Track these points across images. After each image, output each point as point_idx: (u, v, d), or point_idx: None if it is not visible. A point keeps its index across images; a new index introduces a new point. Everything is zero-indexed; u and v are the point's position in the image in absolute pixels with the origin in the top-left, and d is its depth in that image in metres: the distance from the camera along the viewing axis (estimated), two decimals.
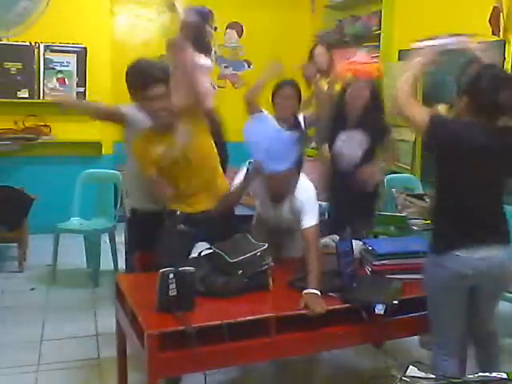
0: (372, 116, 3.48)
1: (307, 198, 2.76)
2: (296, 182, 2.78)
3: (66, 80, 5.48)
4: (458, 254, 2.21)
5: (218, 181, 2.99)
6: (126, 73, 2.88)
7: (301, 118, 3.56)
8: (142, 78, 2.76)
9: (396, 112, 2.39)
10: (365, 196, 3.45)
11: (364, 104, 3.47)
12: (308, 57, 4.84)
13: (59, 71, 5.47)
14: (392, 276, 2.64)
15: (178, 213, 2.90)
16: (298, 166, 2.76)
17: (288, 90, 3.51)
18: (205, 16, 3.95)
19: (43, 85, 5.45)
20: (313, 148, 4.46)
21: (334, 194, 3.63)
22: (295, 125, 3.41)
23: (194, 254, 2.76)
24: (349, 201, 3.36)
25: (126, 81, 2.88)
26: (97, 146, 5.60)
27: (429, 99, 4.76)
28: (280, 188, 2.75)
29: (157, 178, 2.85)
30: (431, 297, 2.34)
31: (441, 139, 2.22)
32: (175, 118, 2.82)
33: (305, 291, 2.40)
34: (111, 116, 3.25)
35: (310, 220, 2.70)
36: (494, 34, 4.17)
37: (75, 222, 4.56)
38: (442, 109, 3.42)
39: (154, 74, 2.75)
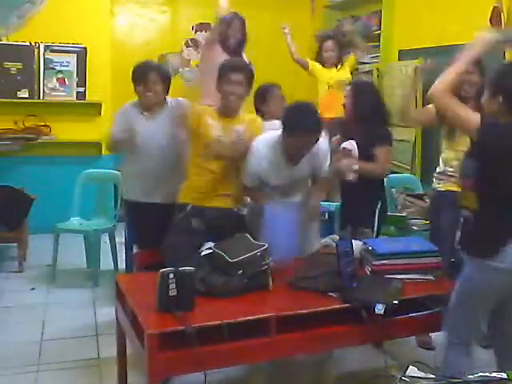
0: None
1: (325, 149, 3.02)
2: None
3: (65, 80, 5.48)
4: (509, 249, 2.14)
5: (237, 184, 3.11)
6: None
7: None
8: (230, 65, 3.11)
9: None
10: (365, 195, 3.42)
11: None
12: (316, 52, 5.23)
13: (59, 71, 5.46)
14: (392, 276, 2.64)
15: (189, 207, 3.00)
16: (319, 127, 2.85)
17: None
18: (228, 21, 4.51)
19: (43, 85, 5.44)
20: None
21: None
22: None
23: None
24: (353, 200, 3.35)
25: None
26: (97, 146, 5.60)
27: (428, 100, 4.77)
28: (304, 149, 2.87)
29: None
30: (473, 299, 2.27)
31: (494, 141, 2.16)
32: (241, 108, 3.08)
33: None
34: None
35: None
36: None
37: (75, 222, 4.56)
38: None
39: (232, 62, 3.23)
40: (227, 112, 3.08)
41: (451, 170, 3.15)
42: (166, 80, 3.39)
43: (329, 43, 5.20)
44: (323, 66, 5.24)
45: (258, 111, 3.58)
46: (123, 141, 3.31)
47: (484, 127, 2.15)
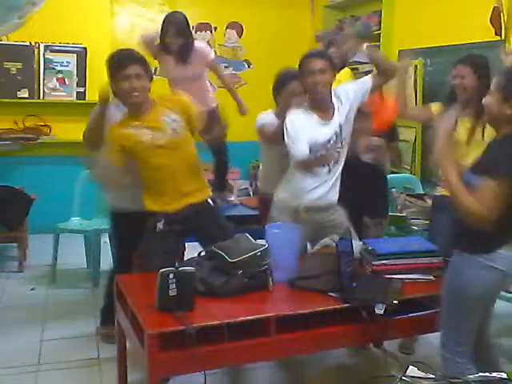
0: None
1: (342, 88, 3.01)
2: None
3: (65, 80, 5.48)
4: (502, 252, 2.13)
5: (201, 179, 3.03)
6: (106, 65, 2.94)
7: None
8: (117, 59, 2.84)
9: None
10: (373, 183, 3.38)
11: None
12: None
13: (59, 71, 5.47)
14: (392, 276, 2.64)
15: (159, 214, 2.89)
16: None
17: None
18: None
19: (43, 85, 5.45)
20: None
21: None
22: None
23: (192, 254, 2.76)
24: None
25: (108, 74, 2.94)
26: None
27: (428, 99, 4.77)
28: (322, 83, 2.87)
29: (117, 165, 2.84)
30: (469, 300, 2.23)
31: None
32: (149, 99, 2.86)
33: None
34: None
35: None
36: (496, 34, 4.17)
37: (75, 221, 4.56)
38: (435, 107, 3.37)
39: (128, 54, 2.86)
40: (137, 111, 2.85)
41: None
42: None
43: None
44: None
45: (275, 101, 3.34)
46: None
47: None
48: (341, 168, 3.04)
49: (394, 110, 3.42)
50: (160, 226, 2.87)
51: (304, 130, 2.88)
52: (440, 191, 3.26)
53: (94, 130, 3.06)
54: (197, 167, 3.00)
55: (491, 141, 2.25)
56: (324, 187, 3.00)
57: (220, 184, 4.43)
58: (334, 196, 3.06)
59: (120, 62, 2.81)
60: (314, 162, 2.91)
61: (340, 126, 2.96)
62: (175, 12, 4.25)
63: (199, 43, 4.30)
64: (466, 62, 3.19)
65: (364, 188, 3.23)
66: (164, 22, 4.10)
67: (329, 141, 2.94)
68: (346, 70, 3.57)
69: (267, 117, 3.22)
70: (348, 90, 3.00)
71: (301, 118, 2.94)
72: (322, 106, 2.96)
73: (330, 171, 2.99)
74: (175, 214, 2.89)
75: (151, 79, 2.87)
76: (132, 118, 2.86)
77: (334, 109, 2.97)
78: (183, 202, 2.91)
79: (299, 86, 3.04)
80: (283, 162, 3.06)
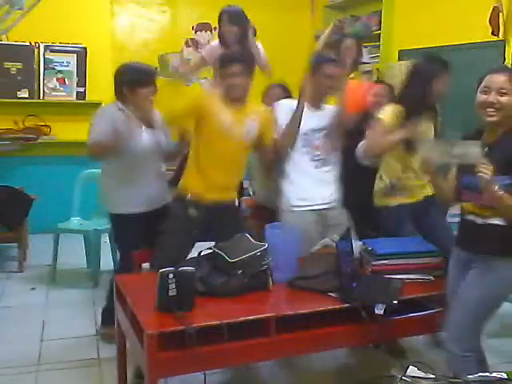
0: None
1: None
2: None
3: (65, 80, 5.49)
4: None
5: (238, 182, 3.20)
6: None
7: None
8: (225, 55, 3.11)
9: None
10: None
11: None
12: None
13: (59, 71, 5.47)
14: (392, 276, 2.64)
15: (189, 197, 3.00)
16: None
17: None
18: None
19: (43, 85, 5.45)
20: None
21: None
22: None
23: (192, 254, 2.77)
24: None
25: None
26: None
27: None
28: (331, 84, 3.08)
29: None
30: (501, 300, 2.33)
31: None
32: (247, 97, 3.04)
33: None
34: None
35: None
36: (493, 34, 4.17)
37: (75, 221, 4.56)
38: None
39: (232, 53, 3.22)
40: (234, 100, 3.02)
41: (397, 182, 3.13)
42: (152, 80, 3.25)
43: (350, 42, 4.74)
44: None
45: None
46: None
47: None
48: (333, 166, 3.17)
49: (367, 92, 3.51)
50: (193, 212, 2.98)
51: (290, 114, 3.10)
52: (398, 200, 3.15)
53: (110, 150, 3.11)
54: (242, 171, 3.19)
55: (501, 135, 2.26)
56: (316, 185, 3.13)
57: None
58: (330, 194, 3.16)
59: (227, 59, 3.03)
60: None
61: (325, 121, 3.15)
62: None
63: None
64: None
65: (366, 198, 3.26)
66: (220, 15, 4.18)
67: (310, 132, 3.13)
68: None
69: None
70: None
71: (291, 104, 3.13)
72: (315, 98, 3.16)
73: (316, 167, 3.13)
74: (206, 205, 2.99)
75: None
76: (224, 100, 3.00)
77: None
78: (220, 195, 3.04)
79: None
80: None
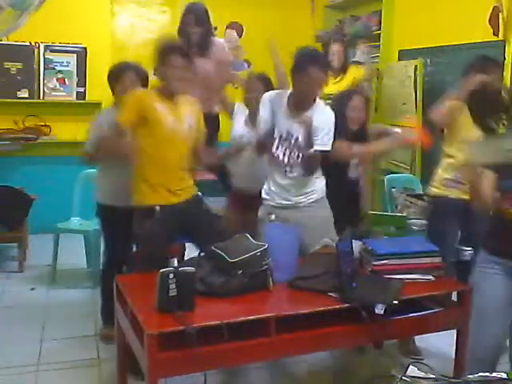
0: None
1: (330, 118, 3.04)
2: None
3: (65, 80, 5.48)
4: None
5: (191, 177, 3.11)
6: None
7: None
8: (163, 48, 3.00)
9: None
10: (350, 195, 3.40)
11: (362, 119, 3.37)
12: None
13: (59, 71, 5.46)
14: (392, 276, 2.64)
15: (158, 208, 2.91)
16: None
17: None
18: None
19: (43, 85, 5.44)
20: None
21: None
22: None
23: (192, 254, 2.77)
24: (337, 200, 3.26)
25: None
26: None
27: (428, 99, 4.78)
28: (312, 90, 2.96)
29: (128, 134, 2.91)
30: None
31: None
32: (188, 91, 2.98)
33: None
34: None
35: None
36: (494, 34, 4.17)
37: (75, 221, 4.56)
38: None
39: (172, 44, 3.04)
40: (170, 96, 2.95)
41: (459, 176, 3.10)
42: (144, 80, 3.26)
43: (336, 46, 4.67)
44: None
45: None
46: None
47: None
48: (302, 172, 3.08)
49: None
50: (158, 211, 2.90)
51: (272, 110, 3.07)
52: (443, 193, 3.24)
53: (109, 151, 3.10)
54: (189, 164, 3.08)
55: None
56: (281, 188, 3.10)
57: None
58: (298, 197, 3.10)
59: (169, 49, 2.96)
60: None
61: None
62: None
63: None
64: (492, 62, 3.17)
65: (348, 206, 3.29)
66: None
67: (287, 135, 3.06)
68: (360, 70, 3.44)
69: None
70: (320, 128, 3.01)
71: (275, 100, 3.09)
72: (297, 103, 3.05)
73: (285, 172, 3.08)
74: (172, 207, 2.93)
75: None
76: (161, 97, 2.93)
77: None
78: (181, 195, 2.97)
79: None
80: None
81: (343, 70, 4.60)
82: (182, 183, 2.99)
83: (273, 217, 3.04)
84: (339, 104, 3.31)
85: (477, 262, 2.38)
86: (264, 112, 3.07)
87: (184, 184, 3.01)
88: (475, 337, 2.32)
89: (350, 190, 3.38)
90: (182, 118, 2.96)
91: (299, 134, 2.99)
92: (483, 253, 2.34)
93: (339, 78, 4.57)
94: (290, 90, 3.09)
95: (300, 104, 3.02)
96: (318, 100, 3.08)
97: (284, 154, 3.05)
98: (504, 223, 2.23)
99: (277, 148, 3.06)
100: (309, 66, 2.90)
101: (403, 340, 3.19)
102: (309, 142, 2.94)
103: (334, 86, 4.42)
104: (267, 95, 3.13)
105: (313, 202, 3.11)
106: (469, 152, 2.18)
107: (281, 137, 3.05)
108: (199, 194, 3.12)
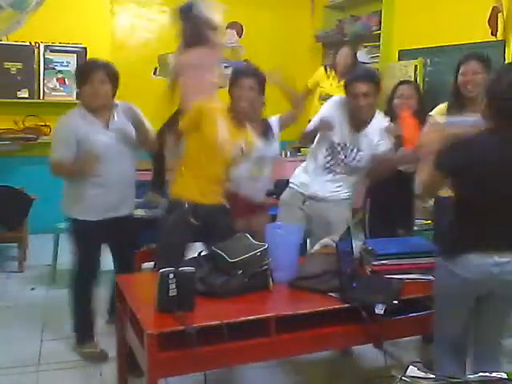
0: None
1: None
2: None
3: (65, 80, 5.48)
4: (469, 258, 2.17)
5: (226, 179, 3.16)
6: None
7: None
8: (235, 70, 3.11)
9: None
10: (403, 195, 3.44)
11: None
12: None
13: (59, 71, 5.47)
14: (392, 276, 2.64)
15: (187, 205, 2.97)
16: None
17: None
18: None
19: (43, 85, 5.45)
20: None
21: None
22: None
23: (192, 254, 2.76)
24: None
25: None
26: None
27: (428, 99, 4.77)
28: (363, 109, 3.06)
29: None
30: (439, 301, 2.35)
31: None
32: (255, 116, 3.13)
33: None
34: None
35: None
36: (492, 34, 4.17)
37: None
38: (439, 111, 3.29)
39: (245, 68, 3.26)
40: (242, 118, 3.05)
41: None
42: (115, 80, 3.08)
43: (345, 50, 5.09)
44: (326, 72, 5.21)
45: None
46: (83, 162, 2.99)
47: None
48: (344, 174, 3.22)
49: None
50: (193, 220, 2.97)
51: (332, 116, 3.18)
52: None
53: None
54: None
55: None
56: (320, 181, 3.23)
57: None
58: (334, 192, 3.23)
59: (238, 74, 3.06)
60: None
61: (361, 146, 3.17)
62: None
63: None
64: (477, 58, 3.20)
65: (397, 201, 3.40)
66: None
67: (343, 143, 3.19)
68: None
69: None
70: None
71: (337, 109, 3.20)
72: (354, 119, 3.18)
73: (330, 171, 3.22)
74: (196, 206, 2.98)
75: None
76: (229, 115, 3.03)
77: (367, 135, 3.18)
78: (209, 198, 3.02)
79: None
80: None
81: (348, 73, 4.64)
82: (212, 187, 3.04)
83: (307, 203, 3.24)
84: (389, 96, 3.47)
85: None
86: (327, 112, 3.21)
87: (214, 189, 3.05)
88: None
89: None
90: (237, 140, 3.00)
91: (359, 146, 3.14)
92: None
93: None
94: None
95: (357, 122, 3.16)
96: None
97: (334, 162, 3.21)
98: None
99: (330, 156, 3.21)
100: (354, 80, 3.07)
101: (425, 351, 3.14)
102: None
103: (336, 89, 4.64)
104: (338, 99, 3.26)
105: (343, 199, 3.27)
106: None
107: (338, 145, 3.17)
108: (226, 205, 3.13)
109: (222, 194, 3.11)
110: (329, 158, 3.22)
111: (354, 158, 3.18)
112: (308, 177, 3.29)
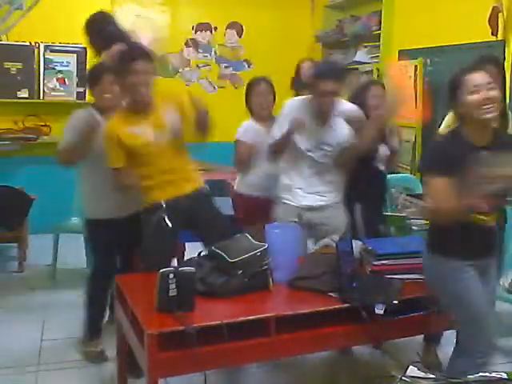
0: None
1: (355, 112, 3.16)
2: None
3: (65, 80, 5.48)
4: None
5: (192, 166, 3.06)
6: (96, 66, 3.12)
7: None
8: (126, 53, 2.87)
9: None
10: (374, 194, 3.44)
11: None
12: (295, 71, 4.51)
13: (59, 71, 5.46)
14: (392, 276, 2.64)
15: (164, 205, 2.88)
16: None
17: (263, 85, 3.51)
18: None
19: (43, 85, 5.44)
20: None
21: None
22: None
23: (192, 254, 2.76)
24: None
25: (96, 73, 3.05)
26: None
27: (429, 98, 4.77)
28: (329, 105, 3.00)
29: (126, 170, 2.87)
30: None
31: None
32: (154, 96, 2.86)
33: None
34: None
35: None
36: (493, 34, 4.17)
37: (75, 222, 4.55)
38: (448, 121, 3.19)
39: (136, 49, 2.91)
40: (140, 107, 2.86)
41: None
42: None
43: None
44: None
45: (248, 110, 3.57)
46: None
47: None
48: (332, 174, 3.17)
49: None
50: (168, 222, 2.87)
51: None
52: None
53: (79, 151, 3.05)
54: (187, 158, 3.03)
55: (494, 134, 2.30)
56: (311, 189, 3.14)
57: None
58: (327, 198, 3.17)
59: (130, 56, 2.82)
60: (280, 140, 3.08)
61: (330, 139, 3.11)
62: None
63: None
64: (491, 61, 3.13)
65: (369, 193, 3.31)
66: None
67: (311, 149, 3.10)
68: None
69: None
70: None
71: (297, 111, 3.09)
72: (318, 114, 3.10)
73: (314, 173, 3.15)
74: (176, 201, 2.89)
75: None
76: (134, 115, 2.86)
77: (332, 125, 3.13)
78: (183, 189, 2.93)
79: None
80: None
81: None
82: (184, 175, 2.96)
83: (304, 217, 3.11)
84: (359, 95, 3.36)
85: (450, 272, 2.33)
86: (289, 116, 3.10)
87: (186, 175, 2.97)
88: (476, 337, 2.32)
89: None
90: (161, 123, 2.87)
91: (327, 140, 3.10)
92: (454, 260, 2.31)
93: None
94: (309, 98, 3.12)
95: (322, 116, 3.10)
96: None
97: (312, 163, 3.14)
98: (474, 228, 2.26)
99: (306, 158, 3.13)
100: (321, 78, 2.97)
101: (426, 352, 3.14)
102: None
103: None
104: (289, 101, 3.18)
105: (335, 202, 3.20)
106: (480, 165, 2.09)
107: (310, 149, 3.11)
108: (206, 187, 3.06)
109: (194, 180, 3.01)
110: (306, 163, 3.14)
111: (326, 154, 3.12)
112: (297, 188, 3.16)
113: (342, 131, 3.14)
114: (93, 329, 3.25)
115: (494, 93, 2.21)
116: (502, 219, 3.02)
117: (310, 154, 3.11)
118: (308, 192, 3.15)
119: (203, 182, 3.08)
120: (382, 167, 3.43)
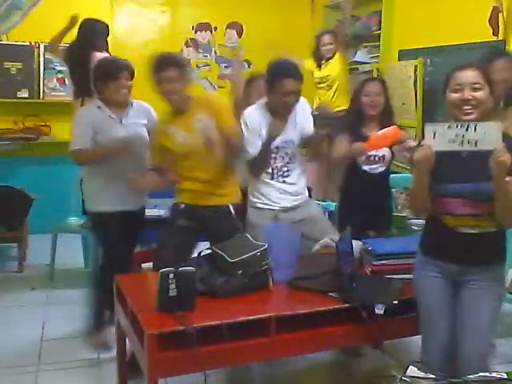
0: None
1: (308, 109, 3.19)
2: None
3: (65, 80, 5.47)
4: None
5: (230, 179, 3.10)
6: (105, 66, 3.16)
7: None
8: (156, 61, 2.92)
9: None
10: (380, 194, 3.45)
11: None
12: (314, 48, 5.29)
13: (59, 71, 5.46)
14: (392, 276, 2.64)
15: (182, 206, 3.00)
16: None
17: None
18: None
19: (43, 85, 5.45)
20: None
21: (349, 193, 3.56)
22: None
23: (194, 254, 2.77)
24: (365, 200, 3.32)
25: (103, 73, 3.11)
26: None
27: (428, 99, 4.78)
28: (290, 100, 2.96)
29: (165, 166, 3.03)
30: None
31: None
32: (187, 102, 2.97)
33: None
34: None
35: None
36: (494, 34, 4.17)
37: (74, 221, 4.56)
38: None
39: (166, 57, 2.96)
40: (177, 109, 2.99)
41: None
42: (133, 77, 3.21)
43: (326, 36, 5.24)
44: (320, 62, 5.28)
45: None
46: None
47: None
48: (295, 168, 3.13)
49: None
50: (183, 221, 2.99)
51: (257, 129, 3.02)
52: None
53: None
54: (225, 170, 3.06)
55: None
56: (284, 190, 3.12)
57: None
58: (300, 196, 3.17)
59: (160, 65, 2.91)
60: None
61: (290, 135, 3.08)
62: None
63: None
64: (501, 56, 3.16)
65: (369, 201, 3.29)
66: None
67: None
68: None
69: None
70: (307, 122, 3.15)
71: (257, 115, 3.05)
72: (278, 112, 3.04)
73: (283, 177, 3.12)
74: (193, 208, 2.99)
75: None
76: (173, 116, 3.01)
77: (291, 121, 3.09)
78: (205, 201, 3.01)
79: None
80: None
81: (332, 57, 5.24)
82: (213, 190, 3.01)
83: (281, 216, 3.08)
84: (355, 92, 3.35)
85: (416, 264, 2.37)
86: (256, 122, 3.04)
87: (217, 191, 3.02)
88: (424, 340, 2.33)
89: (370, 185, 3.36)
90: (191, 127, 2.93)
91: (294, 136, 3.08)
92: (422, 255, 2.34)
93: (329, 62, 5.25)
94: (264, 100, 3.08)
95: (281, 114, 3.03)
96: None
97: (281, 164, 3.10)
98: (440, 228, 2.23)
99: (274, 159, 3.09)
100: (283, 78, 2.92)
101: None
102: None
103: (319, 73, 5.23)
104: (247, 113, 3.08)
105: (308, 199, 3.25)
106: (426, 134, 2.11)
107: (277, 148, 3.06)
108: (229, 206, 3.06)
109: (220, 195, 3.05)
110: (275, 164, 3.10)
111: (290, 149, 3.08)
112: (269, 191, 3.11)
113: (300, 122, 3.10)
114: (97, 321, 3.26)
115: (478, 94, 2.11)
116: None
117: (276, 155, 3.07)
118: (281, 193, 3.10)
119: (237, 199, 3.11)
120: (380, 169, 3.44)
